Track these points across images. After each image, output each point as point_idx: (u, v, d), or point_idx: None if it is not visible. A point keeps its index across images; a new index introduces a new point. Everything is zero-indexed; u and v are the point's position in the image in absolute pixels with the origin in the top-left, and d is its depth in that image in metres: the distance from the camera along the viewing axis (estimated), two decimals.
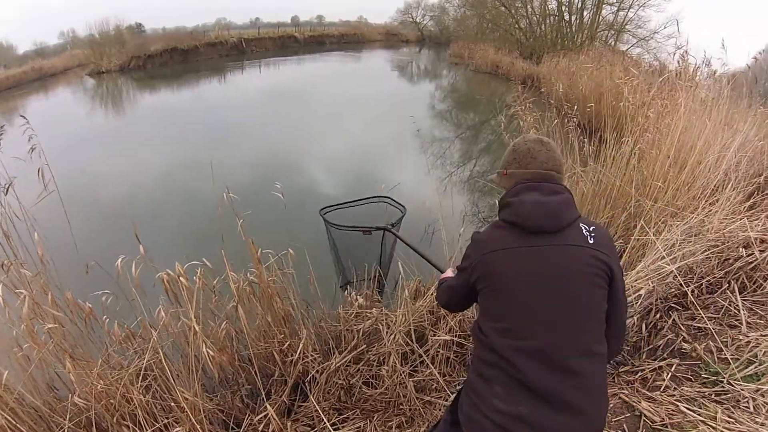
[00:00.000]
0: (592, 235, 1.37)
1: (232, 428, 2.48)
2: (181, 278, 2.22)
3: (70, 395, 2.19)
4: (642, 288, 2.77)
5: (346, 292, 3.01)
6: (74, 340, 2.42)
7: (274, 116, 11.87)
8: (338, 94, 14.93)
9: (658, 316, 2.90)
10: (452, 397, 1.90)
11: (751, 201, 3.86)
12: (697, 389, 2.44)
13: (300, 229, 3.70)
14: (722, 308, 2.95)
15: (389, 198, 3.13)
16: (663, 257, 2.91)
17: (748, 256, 3.11)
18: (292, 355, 2.53)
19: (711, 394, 2.39)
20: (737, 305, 2.87)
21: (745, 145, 4.20)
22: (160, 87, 18.72)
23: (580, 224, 1.39)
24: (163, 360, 2.25)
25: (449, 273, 1.86)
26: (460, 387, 1.66)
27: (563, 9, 22.65)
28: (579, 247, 1.35)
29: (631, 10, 21.43)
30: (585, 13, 22.26)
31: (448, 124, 11.77)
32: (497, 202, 1.53)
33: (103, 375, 2.26)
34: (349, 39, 38.29)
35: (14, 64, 24.83)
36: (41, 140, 3.34)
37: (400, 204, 3.11)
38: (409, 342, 2.63)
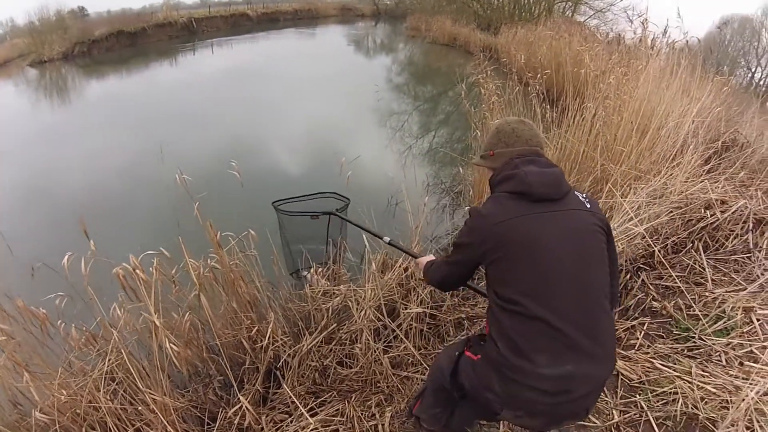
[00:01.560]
0: (587, 200, 1.50)
1: (208, 423, 2.37)
2: (137, 271, 2.05)
3: (33, 411, 2.04)
4: None
5: (306, 275, 2.98)
6: (31, 349, 2.26)
7: (229, 98, 11.36)
8: (294, 73, 14.42)
9: (627, 276, 2.95)
10: (430, 370, 1.84)
11: (710, 165, 3.96)
12: (670, 346, 2.49)
13: (261, 210, 3.53)
14: (688, 267, 3.02)
15: (335, 193, 3.27)
16: (631, 218, 2.92)
17: (710, 217, 3.17)
18: (261, 341, 2.41)
19: (684, 350, 2.44)
20: (702, 263, 2.93)
21: (702, 112, 4.30)
22: (107, 73, 17.58)
23: (575, 192, 1.51)
24: (127, 361, 2.09)
25: (429, 257, 1.97)
26: (454, 358, 1.60)
27: None
28: (581, 211, 1.46)
29: None
30: None
31: (407, 96, 11.62)
32: (491, 180, 1.58)
33: (65, 384, 2.13)
34: (303, 15, 37.19)
35: None
36: None
37: (344, 197, 3.26)
38: (381, 317, 2.56)
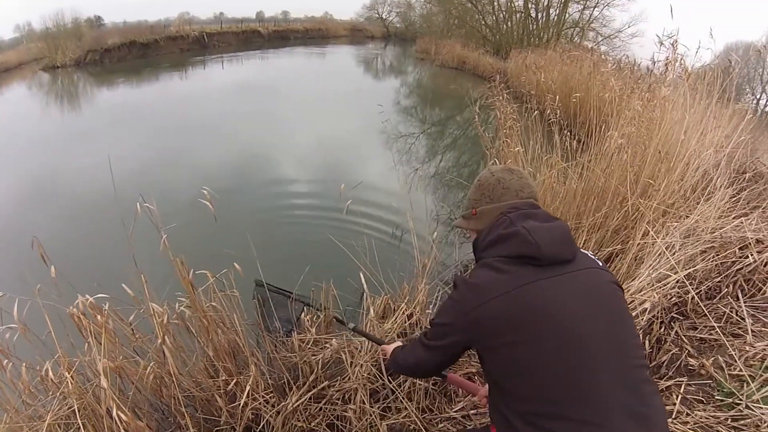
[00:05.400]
0: (595, 257, 1.23)
1: None
2: (83, 316, 1.74)
3: None
4: (646, 300, 2.44)
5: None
6: None
7: (233, 114, 11.17)
8: (301, 92, 14.34)
9: (661, 329, 2.59)
10: None
11: (741, 199, 3.66)
12: (712, 413, 2.10)
13: (259, 234, 3.23)
14: (724, 315, 2.66)
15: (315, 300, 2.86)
16: (670, 263, 2.60)
17: (745, 258, 2.84)
18: (239, 396, 2.06)
19: (728, 419, 2.05)
20: (741, 312, 2.57)
21: (724, 141, 4.00)
22: (116, 82, 17.57)
23: (581, 249, 1.23)
24: (77, 411, 1.77)
25: (396, 344, 1.70)
26: None
27: (530, 6, 22.86)
28: (597, 270, 1.17)
29: (596, 8, 21.87)
30: (551, 10, 22.56)
31: (414, 119, 11.35)
32: (475, 242, 1.26)
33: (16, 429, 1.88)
34: (314, 34, 37.85)
35: None
36: None
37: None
38: (379, 375, 2.21)
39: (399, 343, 1.71)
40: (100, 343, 1.73)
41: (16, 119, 11.76)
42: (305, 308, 2.56)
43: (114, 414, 1.50)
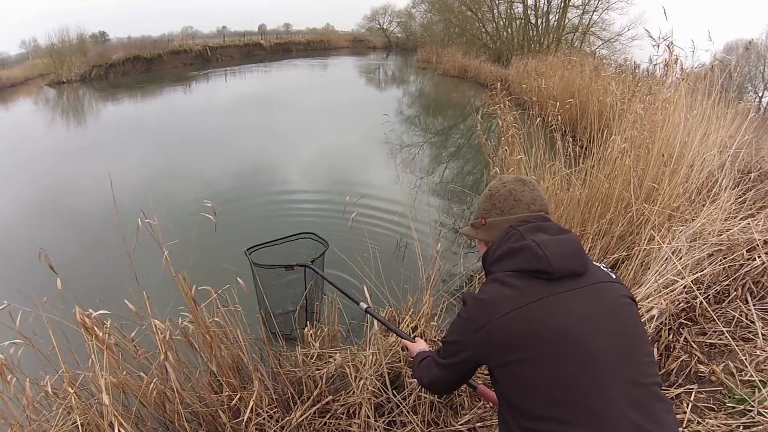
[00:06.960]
0: (609, 270, 1.19)
1: None
2: (85, 330, 1.73)
3: None
4: (654, 307, 2.41)
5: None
6: None
7: (237, 127, 11.24)
8: (304, 103, 14.35)
9: (670, 335, 2.55)
10: None
11: (747, 200, 3.62)
12: (723, 421, 2.06)
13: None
14: (733, 319, 2.62)
15: (313, 234, 2.93)
16: (676, 268, 2.56)
17: (756, 260, 2.78)
18: (243, 412, 2.04)
19: (740, 427, 2.01)
20: (751, 315, 2.54)
21: (728, 141, 3.97)
22: (121, 97, 17.65)
23: (594, 262, 1.19)
24: (80, 427, 1.76)
25: (422, 344, 1.60)
26: None
27: (529, 12, 22.95)
28: (611, 283, 1.14)
29: (595, 13, 21.94)
30: (551, 16, 22.64)
31: (417, 128, 11.29)
32: (484, 256, 1.25)
33: None
34: (315, 46, 38.23)
35: None
36: None
37: (323, 240, 2.91)
38: (384, 389, 2.18)
39: (423, 345, 1.65)
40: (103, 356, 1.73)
41: (22, 134, 11.86)
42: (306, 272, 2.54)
43: (116, 430, 1.50)
